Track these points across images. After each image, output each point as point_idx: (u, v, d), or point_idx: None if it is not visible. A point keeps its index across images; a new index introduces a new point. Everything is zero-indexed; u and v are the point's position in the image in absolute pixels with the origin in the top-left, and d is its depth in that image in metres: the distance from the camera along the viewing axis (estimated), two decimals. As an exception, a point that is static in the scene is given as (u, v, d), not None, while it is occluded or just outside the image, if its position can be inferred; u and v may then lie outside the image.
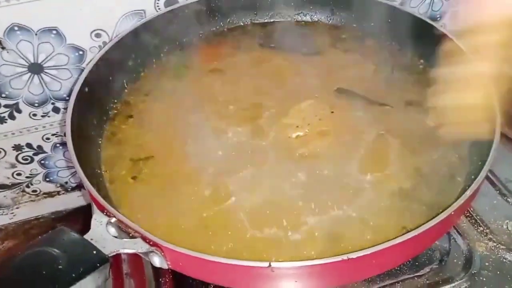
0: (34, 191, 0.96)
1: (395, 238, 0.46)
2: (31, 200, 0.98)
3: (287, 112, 0.68)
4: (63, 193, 0.99)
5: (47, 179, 0.95)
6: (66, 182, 0.98)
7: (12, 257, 0.43)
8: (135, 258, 0.67)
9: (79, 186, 0.99)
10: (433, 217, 0.48)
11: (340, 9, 0.83)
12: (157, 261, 0.48)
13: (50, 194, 0.99)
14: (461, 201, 0.49)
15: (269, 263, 0.44)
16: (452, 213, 0.48)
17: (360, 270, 0.49)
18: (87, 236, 0.47)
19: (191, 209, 0.57)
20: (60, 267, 0.42)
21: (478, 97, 0.57)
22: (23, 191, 0.95)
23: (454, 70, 0.61)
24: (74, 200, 1.01)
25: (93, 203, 0.52)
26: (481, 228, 0.66)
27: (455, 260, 0.63)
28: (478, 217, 0.68)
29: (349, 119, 0.67)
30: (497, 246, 0.64)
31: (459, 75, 0.60)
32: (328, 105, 0.69)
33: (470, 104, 0.57)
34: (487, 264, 0.62)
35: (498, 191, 0.71)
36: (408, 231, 0.47)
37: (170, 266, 0.49)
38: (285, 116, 0.68)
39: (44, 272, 0.42)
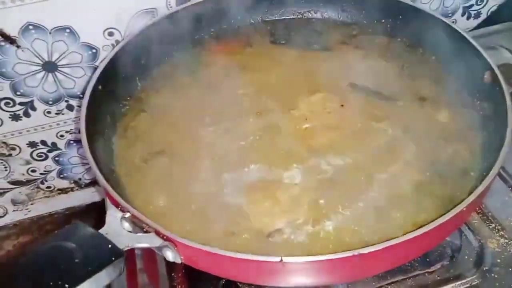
0: (48, 187, 0.97)
1: (407, 233, 0.46)
2: (46, 196, 0.99)
3: (297, 104, 0.69)
4: (77, 189, 1.01)
5: (61, 176, 0.96)
6: (80, 179, 0.99)
7: (29, 250, 0.44)
8: (149, 253, 0.68)
9: (93, 183, 1.01)
10: (445, 212, 0.48)
11: (351, 6, 0.83)
12: (170, 255, 0.49)
13: (64, 191, 1.00)
14: (473, 197, 0.49)
15: (281, 258, 0.45)
16: (464, 209, 0.48)
17: (371, 266, 0.50)
18: (102, 231, 0.48)
19: (202, 204, 0.58)
20: (76, 260, 0.43)
21: None
22: (38, 187, 0.96)
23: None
24: (88, 196, 1.03)
25: (108, 199, 0.53)
26: (493, 225, 0.66)
27: (466, 257, 0.63)
28: (489, 213, 0.68)
29: (359, 114, 0.67)
30: (509, 243, 0.64)
31: None
32: (339, 99, 0.69)
33: None
34: (498, 260, 0.62)
35: (510, 188, 0.71)
36: (420, 226, 0.47)
37: (183, 261, 0.49)
38: (294, 108, 0.68)
39: (60, 266, 0.43)
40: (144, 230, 0.49)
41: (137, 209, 0.50)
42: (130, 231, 0.50)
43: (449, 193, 0.58)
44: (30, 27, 0.71)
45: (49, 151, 0.90)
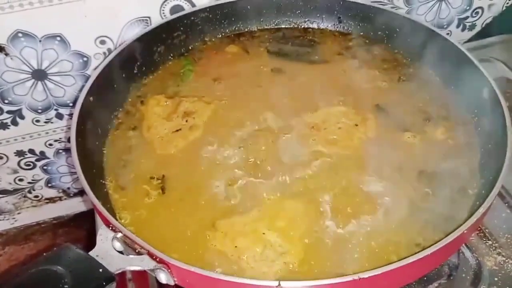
0: (36, 196, 0.95)
1: (407, 257, 0.45)
2: (33, 206, 0.97)
3: (314, 110, 0.68)
4: (65, 199, 0.99)
5: (49, 185, 0.94)
6: (68, 188, 0.97)
7: (16, 275, 0.42)
8: (139, 270, 0.66)
9: (81, 192, 0.99)
10: (447, 235, 0.47)
11: (347, 17, 0.82)
12: (163, 277, 0.47)
13: (51, 200, 0.98)
14: (473, 219, 0.49)
15: (279, 283, 0.43)
16: (465, 231, 0.47)
17: (370, 289, 0.48)
18: (92, 253, 0.46)
19: (196, 221, 0.57)
20: (66, 286, 0.41)
21: None
22: (25, 196, 0.94)
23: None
24: (76, 206, 1.01)
25: (99, 217, 0.51)
26: (490, 242, 0.66)
27: (463, 275, 0.62)
28: (487, 230, 0.67)
29: (366, 137, 0.66)
30: (506, 260, 0.64)
31: None
32: (359, 117, 0.67)
33: None
34: (496, 279, 0.62)
35: (507, 204, 0.70)
36: (422, 249, 0.46)
37: (176, 283, 0.48)
38: (310, 113, 0.67)
39: (49, 292, 0.41)
40: (137, 251, 0.47)
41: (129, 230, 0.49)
42: (121, 252, 0.48)
43: (450, 210, 0.57)
44: (20, 34, 0.70)
45: (37, 160, 0.88)
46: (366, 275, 0.44)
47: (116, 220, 0.50)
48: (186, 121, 0.68)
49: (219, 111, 0.69)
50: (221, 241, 0.54)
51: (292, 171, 0.61)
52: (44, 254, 0.43)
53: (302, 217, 0.56)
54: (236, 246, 0.53)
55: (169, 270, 0.46)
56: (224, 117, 0.68)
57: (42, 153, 0.87)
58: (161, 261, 0.46)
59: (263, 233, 0.54)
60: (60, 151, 0.88)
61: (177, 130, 0.67)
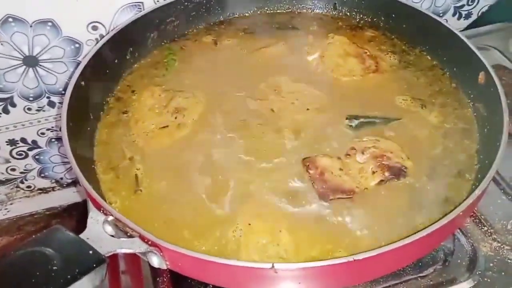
0: (28, 186, 0.94)
1: (402, 239, 0.45)
2: (26, 196, 0.96)
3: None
4: (58, 189, 0.98)
5: (42, 175, 0.93)
6: (61, 178, 0.96)
7: (5, 257, 0.41)
8: (132, 255, 0.65)
9: (75, 182, 0.98)
10: (442, 217, 0.47)
11: (343, 3, 0.82)
12: (155, 261, 0.46)
13: (45, 190, 0.97)
14: (469, 201, 0.48)
15: (272, 264, 0.43)
16: (461, 213, 0.47)
17: (365, 272, 0.48)
18: (83, 235, 0.45)
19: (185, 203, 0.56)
20: (54, 268, 0.40)
21: None
22: (18, 186, 0.93)
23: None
24: (69, 196, 1.00)
25: (90, 201, 0.51)
26: (485, 228, 0.65)
27: (459, 261, 0.62)
28: (482, 216, 0.66)
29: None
30: (502, 246, 0.63)
31: None
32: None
33: None
34: (491, 264, 0.61)
35: (502, 191, 0.69)
36: (418, 231, 0.45)
37: (169, 266, 0.47)
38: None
39: (38, 273, 0.40)
40: (128, 234, 0.47)
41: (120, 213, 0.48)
42: (112, 235, 0.47)
43: (448, 194, 0.56)
44: (10, 19, 0.68)
45: (29, 149, 0.87)
46: (360, 256, 0.43)
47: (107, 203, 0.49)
48: (175, 118, 0.65)
49: (209, 107, 0.67)
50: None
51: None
52: (33, 236, 0.43)
53: (324, 242, 0.53)
54: (249, 224, 0.53)
55: (161, 254, 0.46)
56: (215, 115, 0.66)
57: (34, 142, 0.86)
58: (153, 244, 0.46)
59: (280, 231, 0.53)
60: (53, 140, 0.88)
61: (164, 127, 0.64)
